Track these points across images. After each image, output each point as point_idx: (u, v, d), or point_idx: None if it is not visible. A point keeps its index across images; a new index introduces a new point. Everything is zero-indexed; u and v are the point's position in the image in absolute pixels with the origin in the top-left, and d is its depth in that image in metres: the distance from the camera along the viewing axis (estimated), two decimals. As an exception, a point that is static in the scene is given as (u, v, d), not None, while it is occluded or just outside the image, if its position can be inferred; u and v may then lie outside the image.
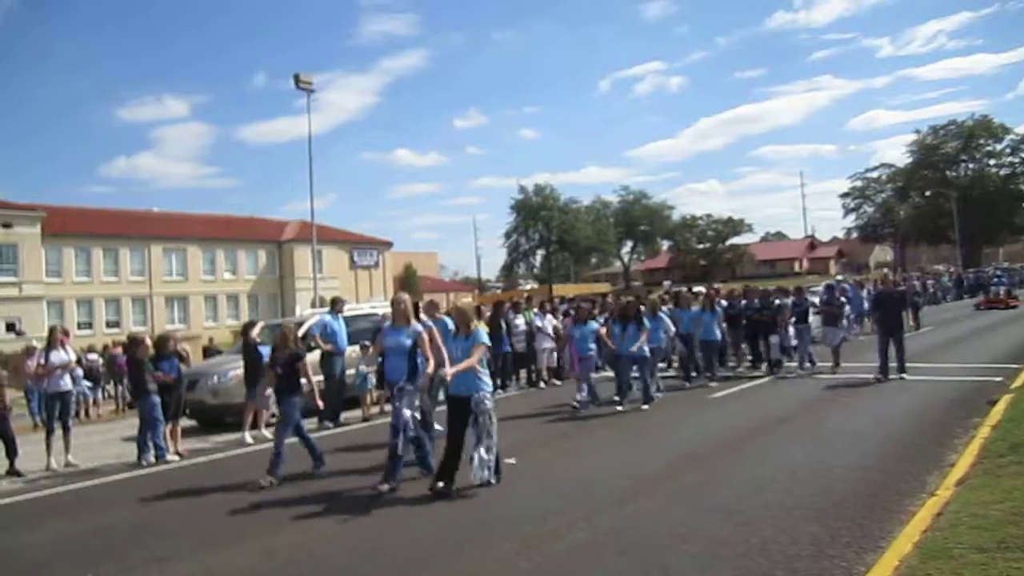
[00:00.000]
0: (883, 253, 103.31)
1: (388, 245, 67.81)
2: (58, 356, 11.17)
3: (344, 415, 13.17)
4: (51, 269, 48.68)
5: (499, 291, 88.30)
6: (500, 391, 15.68)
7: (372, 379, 13.60)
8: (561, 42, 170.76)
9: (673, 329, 14.81)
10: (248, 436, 11.93)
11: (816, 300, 17.97)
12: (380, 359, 13.81)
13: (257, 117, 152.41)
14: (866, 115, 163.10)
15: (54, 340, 11.33)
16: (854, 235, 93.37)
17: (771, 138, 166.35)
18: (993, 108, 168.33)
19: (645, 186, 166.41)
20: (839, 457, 8.27)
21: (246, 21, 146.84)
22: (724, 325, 16.15)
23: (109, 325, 49.56)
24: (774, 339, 16.19)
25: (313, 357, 13.48)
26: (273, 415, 13.21)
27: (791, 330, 16.51)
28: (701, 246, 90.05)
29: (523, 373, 17.14)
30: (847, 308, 19.95)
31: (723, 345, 16.07)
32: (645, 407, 12.47)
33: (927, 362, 16.14)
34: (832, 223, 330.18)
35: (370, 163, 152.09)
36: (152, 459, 10.78)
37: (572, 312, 16.75)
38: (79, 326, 47.33)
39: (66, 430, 11.23)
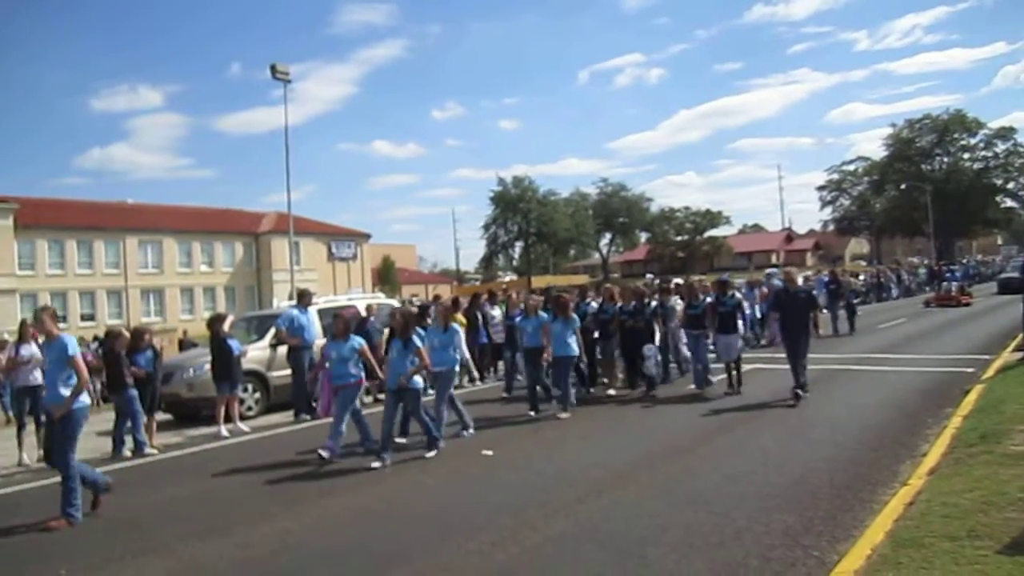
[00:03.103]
0: (859, 246, 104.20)
1: (366, 237, 67.61)
2: (28, 350, 11.02)
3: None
4: (24, 262, 48.22)
5: (478, 283, 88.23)
6: (479, 382, 15.70)
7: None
8: (540, 33, 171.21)
9: (466, 354, 11.31)
10: (224, 430, 11.86)
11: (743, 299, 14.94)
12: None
13: (233, 108, 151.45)
14: (843, 108, 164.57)
15: (25, 334, 11.18)
16: (831, 228, 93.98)
17: (749, 131, 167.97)
18: (968, 103, 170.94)
19: (624, 178, 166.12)
20: (814, 448, 8.35)
21: (221, 10, 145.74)
22: (596, 334, 13.52)
23: (84, 318, 49.18)
24: (648, 351, 12.79)
25: (281, 350, 13.50)
26: (249, 408, 13.20)
27: (682, 338, 13.94)
28: (679, 238, 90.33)
29: (500, 365, 17.11)
30: (746, 309, 15.97)
31: (578, 361, 12.47)
32: (429, 455, 9.14)
33: (901, 353, 16.33)
34: (809, 215, 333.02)
35: (348, 154, 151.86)
36: (128, 453, 10.72)
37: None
38: (53, 319, 46.76)
39: (38, 425, 11.10)
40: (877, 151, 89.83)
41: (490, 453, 9.11)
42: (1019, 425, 7.78)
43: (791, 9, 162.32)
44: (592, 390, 13.50)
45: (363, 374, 9.77)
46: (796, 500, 6.39)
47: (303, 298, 13.75)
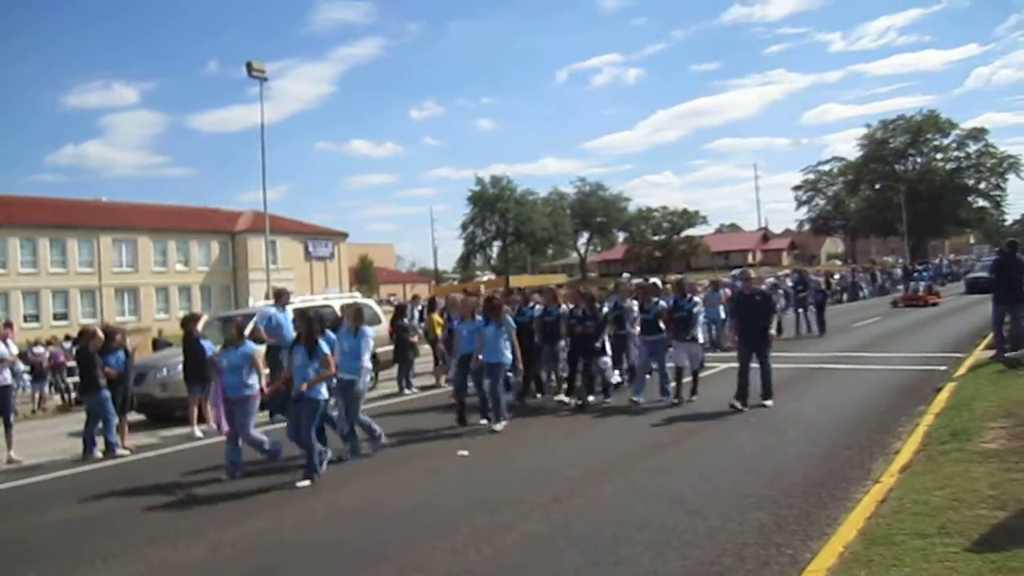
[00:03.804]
0: (834, 245, 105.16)
1: (344, 236, 67.25)
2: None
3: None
4: (-5, 260, 47.50)
5: (456, 282, 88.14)
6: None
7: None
8: (518, 33, 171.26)
9: (367, 363, 9.35)
10: (197, 430, 11.76)
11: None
12: None
13: (209, 105, 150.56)
14: (819, 109, 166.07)
15: (-5, 334, 11.03)
16: (806, 227, 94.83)
17: (726, 131, 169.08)
18: (941, 104, 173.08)
19: (602, 178, 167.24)
20: (788, 445, 8.41)
21: (197, 7, 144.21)
22: (538, 339, 12.50)
23: (56, 317, 48.51)
24: (603, 361, 12.04)
25: (260, 349, 13.36)
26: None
27: (636, 344, 12.86)
28: (656, 238, 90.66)
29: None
30: (701, 314, 13.84)
31: (513, 369, 11.84)
32: (302, 484, 7.95)
33: (874, 351, 16.48)
34: (785, 215, 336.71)
35: (325, 153, 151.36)
36: (99, 454, 10.58)
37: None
38: (25, 319, 46.33)
39: (7, 426, 10.95)
40: (852, 151, 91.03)
41: (466, 453, 9.09)
42: (990, 423, 7.87)
43: (767, 10, 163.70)
44: (539, 395, 12.87)
45: (259, 384, 8.89)
46: (770, 498, 6.42)
47: (281, 297, 13.67)
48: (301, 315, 8.99)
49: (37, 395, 19.76)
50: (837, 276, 39.51)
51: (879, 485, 6.44)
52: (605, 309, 12.58)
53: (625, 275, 29.28)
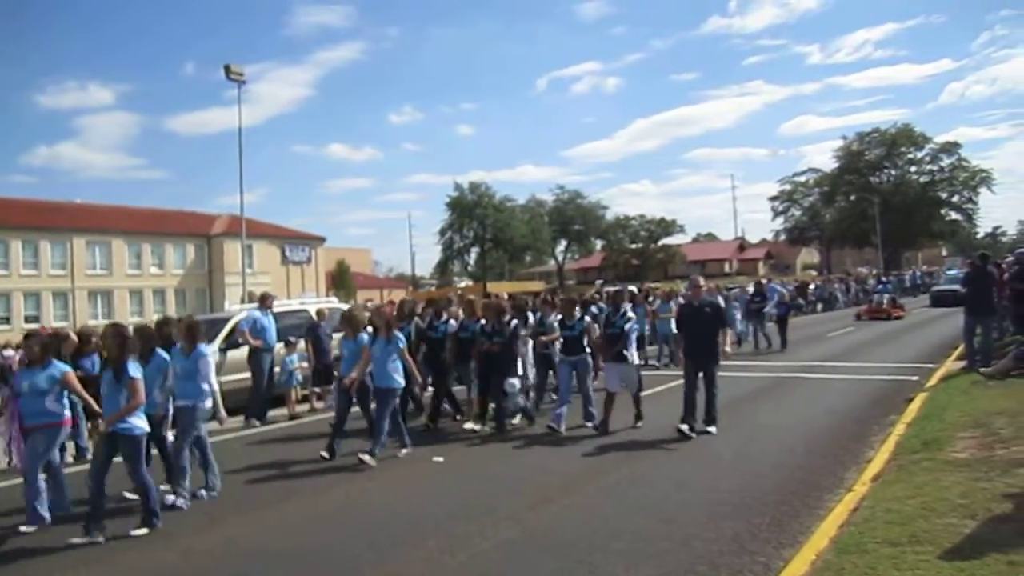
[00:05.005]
0: (810, 255, 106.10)
1: (321, 241, 66.93)
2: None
3: (271, 413, 12.91)
4: (-34, 262, 46.84)
5: (433, 288, 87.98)
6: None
7: (299, 376, 13.45)
8: (499, 39, 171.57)
9: (215, 386, 8.51)
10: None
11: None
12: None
13: (186, 107, 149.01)
14: (796, 120, 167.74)
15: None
16: (782, 237, 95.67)
17: (704, 141, 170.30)
18: (915, 117, 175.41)
19: (580, 186, 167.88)
20: (763, 454, 8.46)
21: (175, 8, 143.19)
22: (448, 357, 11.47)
23: (28, 320, 47.79)
24: (508, 387, 10.55)
25: (241, 353, 13.25)
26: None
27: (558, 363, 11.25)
28: (634, 246, 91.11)
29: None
30: (634, 332, 11.06)
31: (413, 394, 11.10)
32: (137, 532, 6.61)
33: (848, 361, 16.62)
34: (761, 225, 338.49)
35: (303, 157, 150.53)
36: (70, 459, 10.43)
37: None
38: (-5, 321, 45.66)
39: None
40: (828, 163, 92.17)
41: (441, 460, 9.06)
42: (960, 432, 7.97)
43: (746, 22, 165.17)
44: (458, 416, 11.63)
45: (68, 411, 7.57)
46: (744, 506, 6.46)
47: (265, 300, 13.61)
48: (112, 330, 7.22)
49: (5, 398, 19.44)
50: (813, 286, 39.89)
51: (851, 494, 6.50)
52: (514, 323, 11.24)
53: (598, 282, 29.15)
